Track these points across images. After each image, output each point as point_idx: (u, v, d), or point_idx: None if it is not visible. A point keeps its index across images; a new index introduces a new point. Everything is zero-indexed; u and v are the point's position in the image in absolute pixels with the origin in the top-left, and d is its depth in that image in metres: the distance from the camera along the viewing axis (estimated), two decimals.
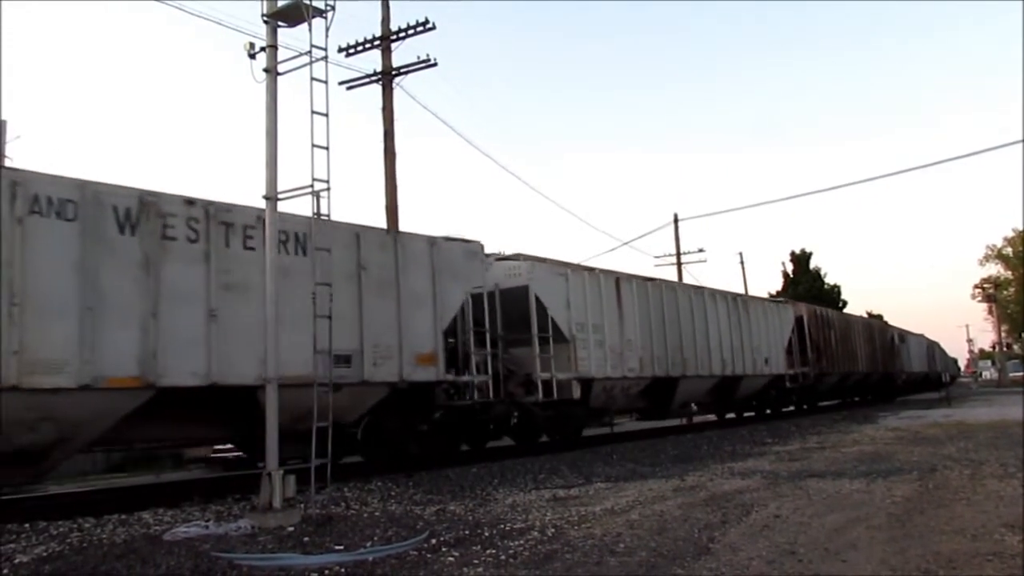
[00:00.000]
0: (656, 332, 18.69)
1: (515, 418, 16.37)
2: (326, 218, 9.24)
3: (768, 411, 26.63)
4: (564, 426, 16.74)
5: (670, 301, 19.68)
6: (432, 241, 13.16)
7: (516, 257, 15.87)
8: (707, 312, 21.18)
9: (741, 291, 33.24)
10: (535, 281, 15.41)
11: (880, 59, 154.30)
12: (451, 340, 13.67)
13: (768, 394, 25.85)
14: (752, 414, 26.50)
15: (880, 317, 60.84)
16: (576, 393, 15.81)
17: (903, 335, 44.49)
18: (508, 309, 15.03)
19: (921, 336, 52.79)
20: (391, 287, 12.38)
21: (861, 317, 40.29)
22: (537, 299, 15.30)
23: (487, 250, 15.49)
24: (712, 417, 26.36)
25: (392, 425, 13.06)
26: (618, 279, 17.98)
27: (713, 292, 22.58)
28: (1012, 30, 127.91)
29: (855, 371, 32.95)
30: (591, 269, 17.48)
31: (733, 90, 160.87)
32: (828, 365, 29.21)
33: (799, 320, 27.65)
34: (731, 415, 26.30)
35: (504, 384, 14.69)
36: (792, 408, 28.65)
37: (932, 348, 56.53)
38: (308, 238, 10.76)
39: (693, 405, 23.99)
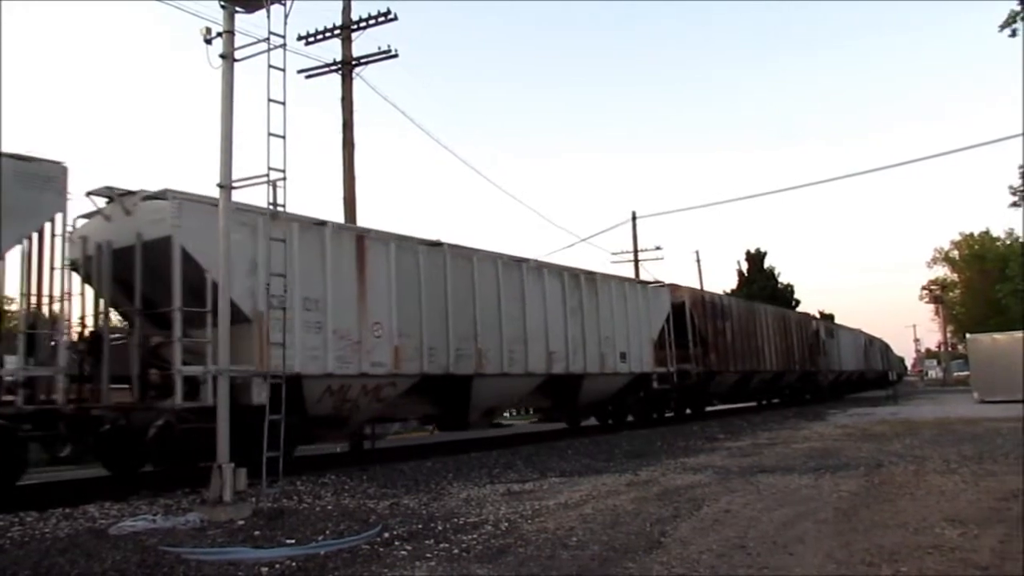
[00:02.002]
0: (431, 314, 13.63)
1: (155, 430, 11.04)
2: (281, 208, 9.14)
3: (630, 418, 21.38)
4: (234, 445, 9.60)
5: (460, 274, 14.45)
6: None
7: (163, 195, 10.68)
8: (526, 290, 16.13)
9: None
10: (185, 230, 10.27)
11: (836, 63, 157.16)
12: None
13: (631, 397, 20.78)
14: (611, 422, 21.26)
15: (832, 316, 61.98)
16: (259, 397, 10.10)
17: (832, 329, 40.66)
18: (154, 271, 10.38)
19: (858, 331, 49.23)
20: None
21: (773, 307, 34.23)
22: (186, 255, 10.23)
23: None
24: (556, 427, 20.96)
25: None
26: (361, 237, 12.78)
27: (540, 265, 17.25)
28: (964, 34, 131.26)
29: (761, 369, 28.26)
30: (320, 222, 12.26)
31: (694, 92, 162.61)
32: (720, 362, 24.65)
33: (679, 307, 22.72)
34: (592, 422, 21.52)
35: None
36: (671, 415, 23.62)
37: (871, 344, 52.52)
38: None
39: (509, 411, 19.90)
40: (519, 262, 16.52)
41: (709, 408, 28.14)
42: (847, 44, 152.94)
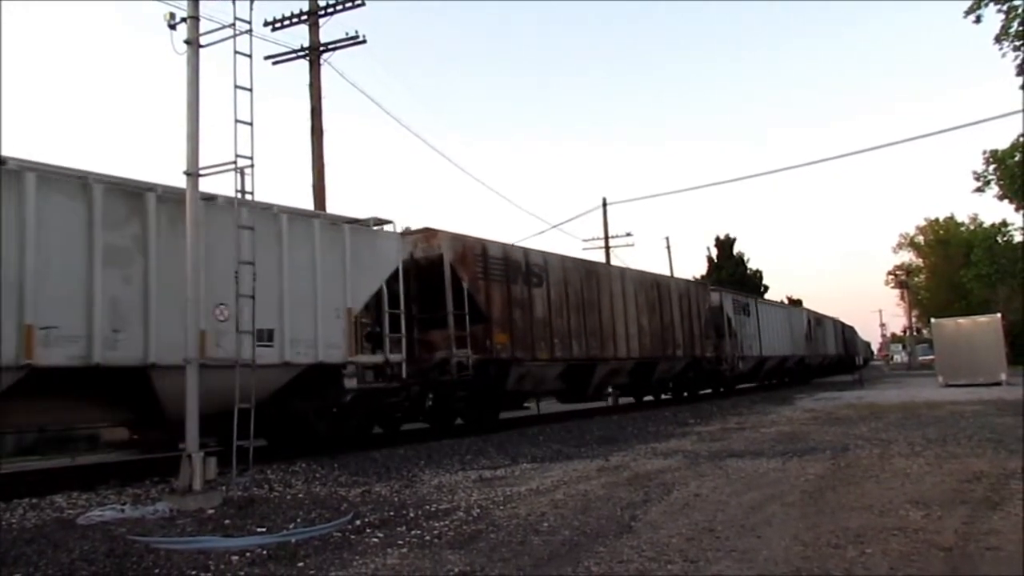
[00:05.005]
0: None
1: None
2: (249, 195, 9.04)
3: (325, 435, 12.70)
4: None
5: None
6: None
7: None
8: None
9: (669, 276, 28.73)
10: None
11: (804, 54, 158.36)
12: None
13: (319, 403, 12.42)
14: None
15: (799, 301, 62.67)
16: None
17: (746, 305, 31.06)
18: None
19: (798, 309, 42.56)
20: None
21: (637, 271, 24.04)
22: None
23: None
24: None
25: None
26: None
27: (22, 168, 8.69)
28: (928, 22, 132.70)
29: (608, 356, 19.91)
30: None
31: (666, 82, 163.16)
32: (521, 346, 16.59)
33: (432, 263, 15.25)
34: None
35: None
36: (425, 425, 16.08)
37: (818, 325, 43.70)
38: None
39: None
40: None
41: (508, 415, 18.62)
42: (814, 35, 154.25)
